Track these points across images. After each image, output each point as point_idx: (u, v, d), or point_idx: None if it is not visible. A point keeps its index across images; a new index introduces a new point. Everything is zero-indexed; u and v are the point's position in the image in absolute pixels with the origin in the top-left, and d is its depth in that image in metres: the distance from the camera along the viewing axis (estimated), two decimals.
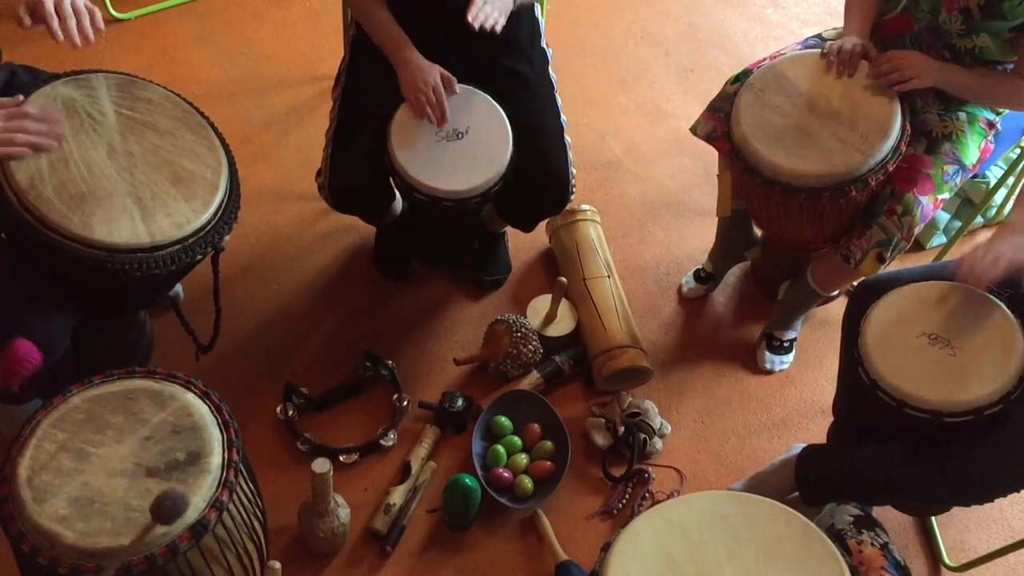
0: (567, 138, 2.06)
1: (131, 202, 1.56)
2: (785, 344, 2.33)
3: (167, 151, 1.64)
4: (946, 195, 1.95)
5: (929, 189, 1.91)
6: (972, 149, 1.96)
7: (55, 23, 1.48)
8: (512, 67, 2.02)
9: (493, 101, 1.97)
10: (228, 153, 1.72)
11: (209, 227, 1.62)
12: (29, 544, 1.33)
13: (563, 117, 2.08)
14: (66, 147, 1.57)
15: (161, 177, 1.61)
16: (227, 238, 1.68)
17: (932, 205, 1.92)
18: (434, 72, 1.93)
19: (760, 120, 1.89)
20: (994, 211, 2.66)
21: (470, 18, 1.78)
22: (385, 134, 1.94)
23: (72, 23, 1.50)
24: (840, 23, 2.11)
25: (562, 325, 2.27)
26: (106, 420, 1.45)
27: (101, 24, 1.55)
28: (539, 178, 2.03)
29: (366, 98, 2.00)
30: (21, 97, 1.56)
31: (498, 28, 1.83)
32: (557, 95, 2.10)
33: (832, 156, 1.83)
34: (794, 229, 2.03)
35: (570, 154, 2.06)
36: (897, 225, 1.90)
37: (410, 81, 1.92)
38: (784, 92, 1.91)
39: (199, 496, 1.39)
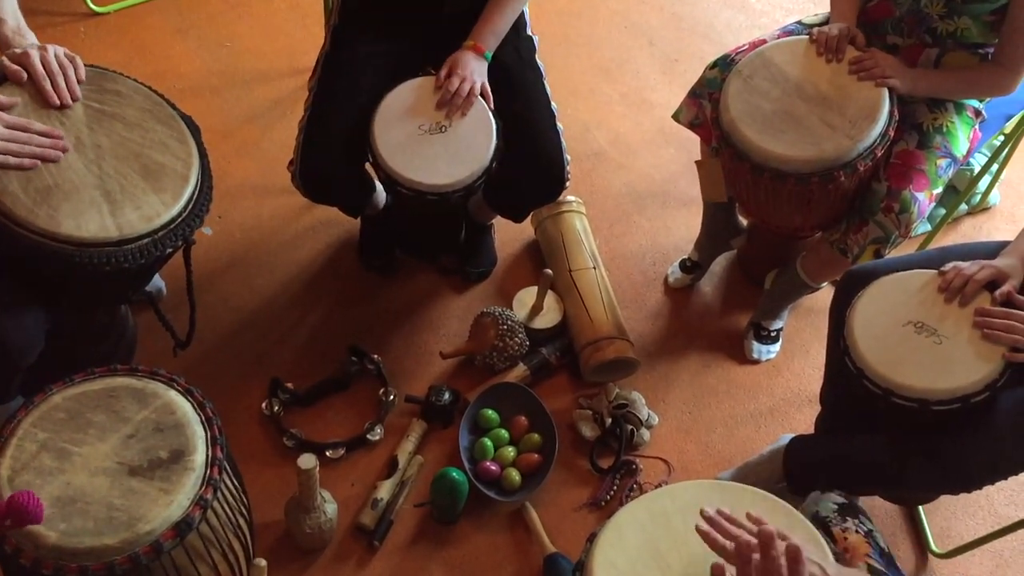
0: (559, 125, 2.05)
1: (99, 195, 1.54)
2: (772, 333, 2.33)
3: (136, 143, 1.62)
4: (940, 189, 1.95)
5: (924, 185, 1.91)
6: (962, 140, 1.97)
7: (48, 85, 1.57)
8: (500, 58, 2.01)
9: (478, 96, 1.96)
10: (200, 145, 1.69)
11: (180, 220, 1.60)
12: (12, 545, 1.32)
13: (554, 104, 2.07)
14: None
15: (130, 170, 1.59)
16: (208, 231, 1.66)
17: (928, 200, 1.93)
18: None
19: (749, 106, 1.89)
20: (978, 198, 2.67)
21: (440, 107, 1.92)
22: (368, 128, 1.92)
23: (61, 80, 1.58)
24: (822, 9, 2.11)
25: (548, 317, 2.27)
26: (88, 419, 1.44)
27: (83, 74, 1.63)
28: (534, 167, 2.02)
29: (343, 88, 1.98)
30: (18, 100, 1.55)
31: (477, 91, 1.93)
32: (546, 83, 2.09)
33: (821, 141, 1.83)
34: (782, 216, 2.03)
35: (563, 141, 2.05)
36: (895, 223, 1.91)
37: None
38: (772, 78, 1.91)
39: (183, 494, 1.38)
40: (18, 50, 1.59)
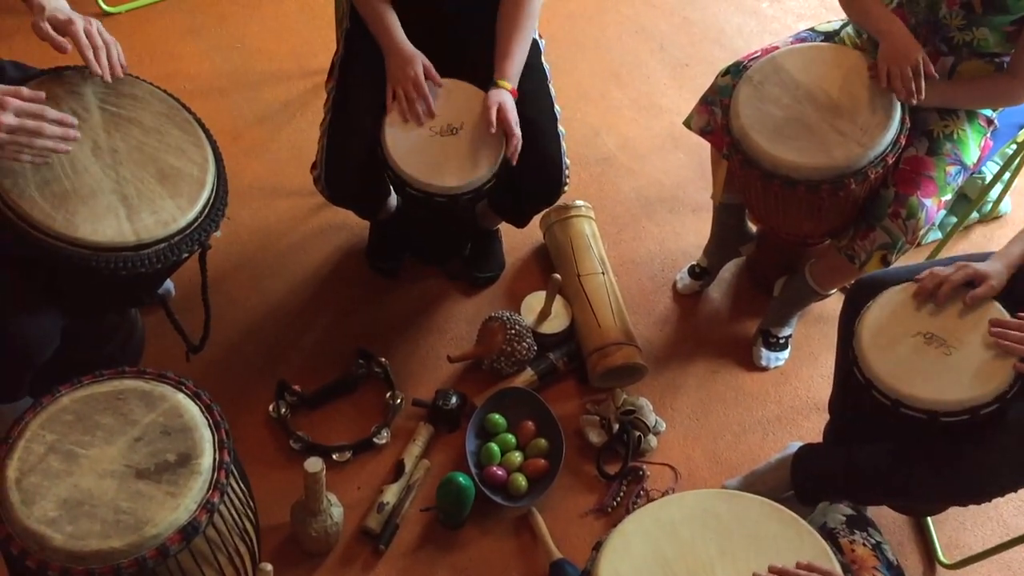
0: (561, 129, 2.05)
1: (116, 200, 1.54)
2: (781, 341, 2.33)
3: (153, 148, 1.62)
4: (949, 196, 1.94)
5: (933, 192, 1.90)
6: (972, 148, 1.96)
7: (90, 53, 1.54)
8: None
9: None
10: (215, 149, 1.70)
11: (196, 225, 1.60)
12: (18, 547, 1.32)
13: (557, 108, 2.06)
14: None
15: (146, 174, 1.59)
16: (218, 234, 1.66)
17: (936, 207, 1.92)
18: (415, 63, 1.92)
19: (759, 113, 1.88)
20: (989, 207, 2.66)
21: (510, 155, 1.90)
22: (379, 128, 1.92)
23: (104, 55, 1.57)
24: (834, 15, 2.10)
25: (556, 322, 2.26)
26: (95, 421, 1.44)
27: (124, 60, 1.61)
28: (532, 170, 2.01)
29: (361, 91, 1.99)
30: (43, 95, 1.50)
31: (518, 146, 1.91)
32: (551, 85, 2.08)
33: (832, 148, 1.82)
34: (792, 223, 2.02)
35: (563, 145, 2.04)
36: (902, 228, 1.90)
37: (390, 71, 1.92)
38: (783, 85, 1.91)
39: (190, 498, 1.38)
40: (61, 16, 1.54)
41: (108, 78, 1.57)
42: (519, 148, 1.91)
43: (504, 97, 1.92)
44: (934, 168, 1.91)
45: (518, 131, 1.90)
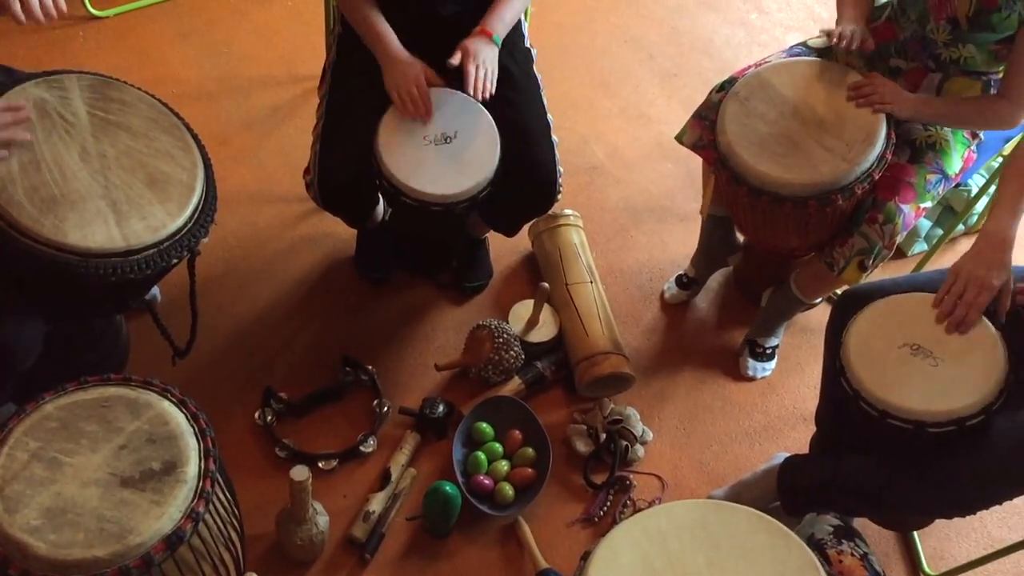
0: (554, 137, 2.05)
1: (105, 205, 1.53)
2: (768, 351, 2.33)
3: (141, 153, 1.62)
4: (928, 203, 1.95)
5: (911, 198, 1.91)
6: (955, 159, 1.97)
7: (16, 6, 1.45)
8: (500, 64, 2.00)
9: (481, 106, 1.95)
10: (204, 155, 1.69)
11: (185, 230, 1.59)
12: (0, 555, 1.31)
13: (549, 116, 2.06)
14: (37, 150, 1.53)
15: (135, 180, 1.58)
16: (205, 240, 1.65)
17: (914, 213, 1.92)
18: (416, 67, 1.92)
19: (746, 129, 1.88)
20: (975, 219, 2.67)
21: (471, 92, 1.88)
22: (372, 138, 1.92)
23: (35, 1, 1.47)
24: (824, 25, 2.11)
25: (544, 331, 2.26)
26: (80, 428, 1.42)
27: (63, 5, 1.52)
28: (525, 178, 2.01)
29: (354, 95, 1.98)
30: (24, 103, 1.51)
31: (489, 93, 1.90)
32: (543, 94, 2.08)
33: (818, 165, 1.83)
34: (779, 237, 2.03)
35: (557, 153, 2.04)
36: (879, 233, 1.90)
37: (393, 78, 1.91)
38: (769, 100, 1.91)
39: (175, 507, 1.37)
40: None
41: (40, 21, 1.47)
42: (479, 88, 1.89)
43: (477, 45, 1.90)
44: (914, 175, 1.92)
45: (477, 71, 1.88)
